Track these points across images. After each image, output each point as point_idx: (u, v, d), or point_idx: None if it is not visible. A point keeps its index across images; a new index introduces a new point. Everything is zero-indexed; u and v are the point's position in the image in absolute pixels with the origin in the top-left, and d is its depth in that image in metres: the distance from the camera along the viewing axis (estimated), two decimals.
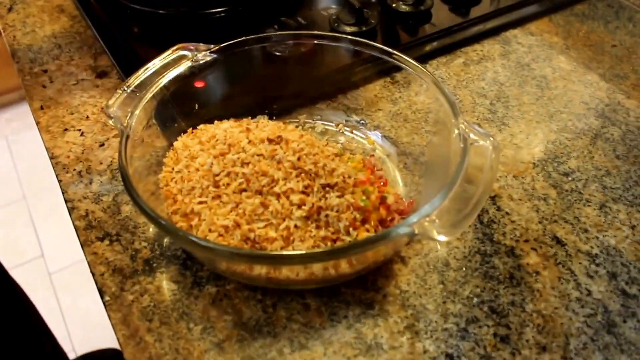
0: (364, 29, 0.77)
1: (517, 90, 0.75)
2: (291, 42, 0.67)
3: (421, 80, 0.60)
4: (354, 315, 0.51)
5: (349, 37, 0.65)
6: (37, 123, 0.70)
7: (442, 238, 0.44)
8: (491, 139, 0.51)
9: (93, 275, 0.53)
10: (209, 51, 0.62)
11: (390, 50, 0.63)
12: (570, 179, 0.64)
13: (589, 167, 0.65)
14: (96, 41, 0.82)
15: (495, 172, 0.49)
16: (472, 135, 0.52)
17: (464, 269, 0.55)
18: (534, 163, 0.65)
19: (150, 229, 0.58)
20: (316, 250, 0.48)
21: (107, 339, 1.61)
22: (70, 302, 1.71)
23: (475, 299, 0.52)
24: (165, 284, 0.53)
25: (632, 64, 0.81)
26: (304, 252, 0.47)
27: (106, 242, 0.56)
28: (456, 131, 0.53)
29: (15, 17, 0.89)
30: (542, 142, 0.68)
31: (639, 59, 0.82)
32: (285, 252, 0.47)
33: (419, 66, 0.60)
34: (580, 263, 0.55)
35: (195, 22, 0.82)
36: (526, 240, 0.57)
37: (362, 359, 0.48)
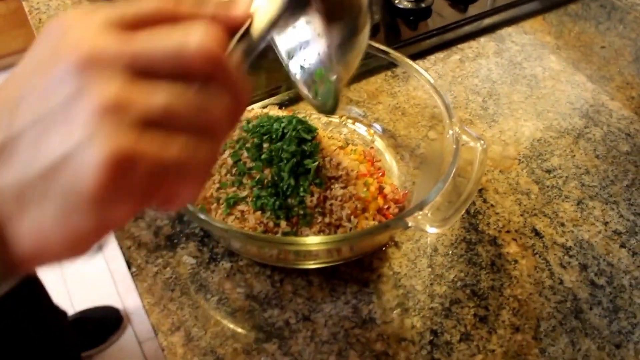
0: None
1: (508, 89, 0.81)
2: None
3: (418, 77, 0.66)
4: (352, 292, 0.57)
5: None
6: None
7: (434, 230, 0.50)
8: (481, 141, 0.57)
9: (120, 248, 0.60)
10: None
11: (387, 49, 0.67)
12: (552, 175, 0.70)
13: (570, 165, 0.71)
14: None
15: (483, 172, 0.55)
16: (464, 137, 0.58)
17: (450, 254, 0.61)
18: (519, 159, 0.72)
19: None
20: (322, 237, 0.54)
21: (104, 297, 1.68)
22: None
23: (459, 283, 0.59)
24: (185, 258, 0.59)
25: (618, 65, 0.86)
26: (312, 238, 0.53)
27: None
28: (450, 132, 0.59)
29: None
30: (528, 139, 0.74)
31: (626, 61, 0.87)
32: (294, 238, 0.54)
33: (417, 68, 0.66)
34: (555, 254, 0.62)
35: None
36: (508, 231, 0.64)
37: (358, 330, 0.55)
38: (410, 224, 0.50)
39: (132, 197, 0.26)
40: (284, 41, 0.47)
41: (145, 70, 0.26)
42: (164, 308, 0.55)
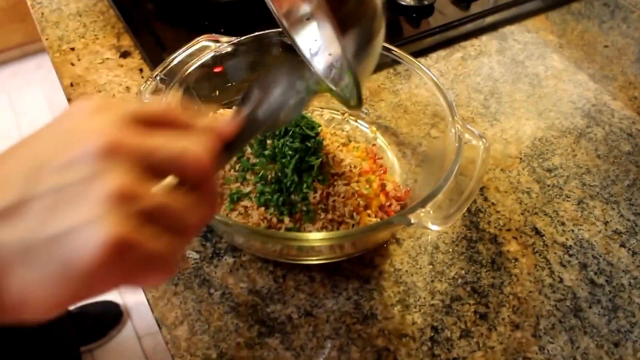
0: None
1: (510, 87, 0.81)
2: None
3: (421, 75, 0.66)
4: (353, 288, 0.58)
5: None
6: (68, 100, 0.76)
7: (436, 228, 0.51)
8: (483, 140, 0.58)
9: None
10: (231, 43, 0.67)
11: (389, 46, 0.68)
12: (552, 174, 0.70)
13: (571, 164, 0.72)
14: (118, 20, 0.87)
15: (485, 171, 0.56)
16: (466, 135, 0.58)
17: (451, 252, 0.62)
18: (520, 158, 0.72)
19: None
20: (325, 232, 0.55)
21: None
22: None
23: (460, 280, 0.59)
24: (188, 253, 0.60)
25: (621, 65, 0.87)
26: (315, 234, 0.53)
27: None
28: (453, 130, 0.59)
29: None
30: (529, 138, 0.75)
31: (629, 60, 0.88)
32: (297, 234, 0.54)
33: (420, 65, 0.66)
34: (555, 253, 0.62)
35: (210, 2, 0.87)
36: (508, 230, 0.64)
37: (359, 326, 0.55)
38: (412, 221, 0.50)
39: (119, 278, 0.29)
40: (304, 42, 0.53)
41: (151, 166, 0.31)
42: (168, 302, 0.56)
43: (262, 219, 0.56)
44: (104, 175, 0.29)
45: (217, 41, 0.67)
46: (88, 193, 0.28)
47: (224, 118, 0.38)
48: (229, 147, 0.36)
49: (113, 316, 1.60)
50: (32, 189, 0.29)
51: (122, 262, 0.28)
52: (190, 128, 0.34)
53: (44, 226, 0.28)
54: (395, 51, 0.68)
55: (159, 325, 0.54)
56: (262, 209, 0.56)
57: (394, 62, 0.69)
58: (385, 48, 0.68)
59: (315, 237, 0.51)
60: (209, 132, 0.35)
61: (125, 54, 0.83)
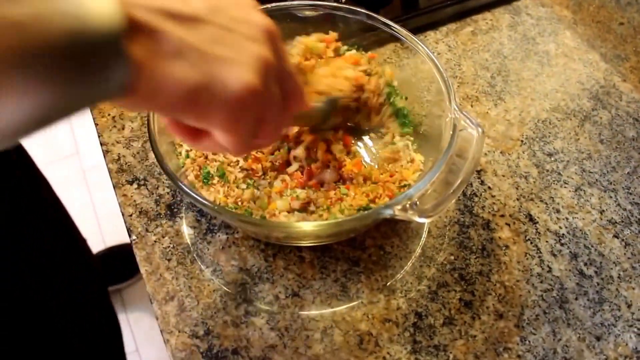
0: None
1: (519, 65, 0.80)
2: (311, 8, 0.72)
3: (424, 55, 0.65)
4: (341, 271, 0.59)
5: (355, 8, 0.70)
6: None
7: (422, 220, 0.51)
8: (479, 128, 0.57)
9: (123, 215, 0.61)
10: None
11: (390, 22, 0.68)
12: (552, 159, 0.70)
13: (573, 149, 0.71)
14: None
15: (476, 164, 0.55)
16: (462, 122, 0.58)
17: (442, 236, 0.62)
18: (521, 140, 0.72)
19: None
20: (311, 222, 0.56)
21: None
22: (101, 197, 1.82)
23: (448, 266, 0.60)
24: (183, 228, 0.61)
25: (635, 44, 0.84)
26: (305, 223, 0.54)
27: (134, 185, 0.64)
28: (449, 116, 0.59)
29: None
30: (533, 120, 0.74)
31: None
32: (287, 222, 0.55)
33: (423, 47, 0.65)
34: (547, 241, 0.63)
35: None
36: (502, 215, 0.64)
37: (344, 309, 0.57)
38: (397, 214, 0.51)
39: (244, 118, 0.39)
40: None
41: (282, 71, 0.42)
42: (160, 277, 0.58)
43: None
44: (263, 44, 0.39)
45: None
46: (247, 46, 0.38)
47: None
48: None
49: None
50: (212, 16, 0.37)
51: (253, 105, 0.38)
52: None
53: (209, 44, 0.36)
54: (394, 27, 0.67)
55: (150, 301, 0.56)
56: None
57: (395, 39, 0.69)
58: (384, 24, 0.68)
59: (299, 226, 0.52)
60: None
61: None
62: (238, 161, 0.61)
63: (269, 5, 0.68)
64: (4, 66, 0.27)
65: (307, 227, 0.52)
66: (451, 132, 0.57)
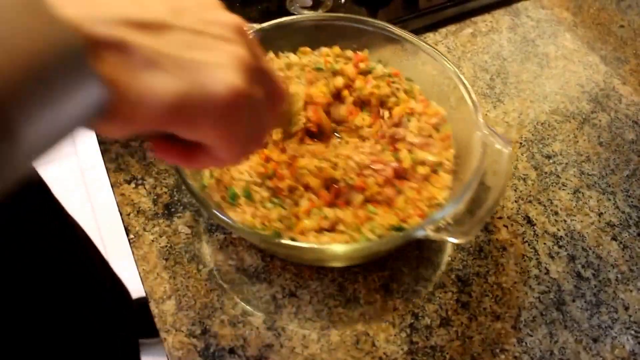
0: None
1: (518, 67, 0.80)
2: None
3: (433, 56, 0.66)
4: (339, 271, 0.59)
5: (354, 16, 0.70)
6: None
7: (455, 240, 0.51)
8: (508, 147, 0.56)
9: (120, 214, 0.62)
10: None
11: (388, 26, 0.70)
12: (551, 161, 0.70)
13: (572, 151, 0.71)
14: None
15: (509, 179, 0.54)
16: (490, 138, 0.56)
17: None
18: (520, 143, 0.72)
19: (172, 178, 0.65)
20: (338, 245, 0.55)
21: None
22: (99, 197, 1.83)
23: (445, 267, 0.60)
24: (180, 227, 0.61)
25: (635, 47, 0.84)
26: (329, 246, 0.54)
27: (132, 185, 0.64)
28: (478, 134, 0.57)
29: None
30: (532, 122, 0.74)
31: None
32: (310, 245, 0.55)
33: (431, 49, 0.65)
34: (544, 244, 0.63)
35: None
36: (500, 217, 0.64)
37: (341, 309, 0.57)
38: (430, 235, 0.50)
39: (231, 123, 0.36)
40: None
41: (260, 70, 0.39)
42: (158, 276, 0.58)
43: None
44: (238, 43, 0.37)
45: None
46: (223, 47, 0.36)
47: None
48: None
49: None
50: (176, 20, 0.34)
51: (242, 106, 0.36)
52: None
53: (182, 49, 0.34)
54: (392, 29, 0.69)
55: (147, 299, 0.56)
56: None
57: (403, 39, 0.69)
58: (382, 27, 0.68)
59: (330, 249, 0.53)
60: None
61: None
62: (263, 181, 0.59)
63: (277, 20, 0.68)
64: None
65: (339, 249, 0.53)
66: (481, 150, 0.56)
